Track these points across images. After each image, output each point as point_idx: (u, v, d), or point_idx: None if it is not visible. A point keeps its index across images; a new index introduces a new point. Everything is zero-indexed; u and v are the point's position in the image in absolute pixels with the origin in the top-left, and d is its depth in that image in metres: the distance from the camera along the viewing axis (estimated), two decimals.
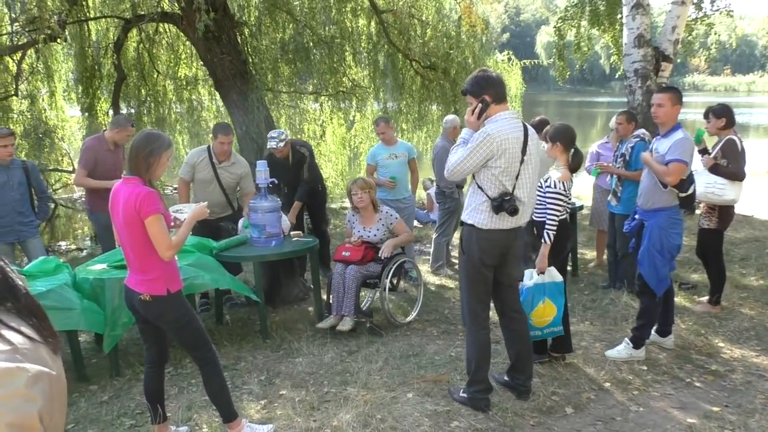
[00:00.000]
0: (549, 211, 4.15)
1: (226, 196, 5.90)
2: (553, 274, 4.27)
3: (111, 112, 9.01)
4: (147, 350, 3.58)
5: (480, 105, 3.54)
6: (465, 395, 3.84)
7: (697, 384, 4.14)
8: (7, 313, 1.02)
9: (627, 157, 5.72)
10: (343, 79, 10.01)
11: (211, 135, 5.98)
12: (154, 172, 3.27)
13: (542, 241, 4.18)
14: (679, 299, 5.82)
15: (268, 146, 6.18)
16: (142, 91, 9.80)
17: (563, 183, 4.21)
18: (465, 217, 3.72)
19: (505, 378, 4.04)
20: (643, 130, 5.96)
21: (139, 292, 3.28)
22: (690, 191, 4.40)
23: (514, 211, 3.53)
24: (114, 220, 3.35)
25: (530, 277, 4.24)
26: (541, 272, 4.22)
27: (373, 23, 9.93)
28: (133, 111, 9.99)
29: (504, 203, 3.53)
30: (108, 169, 5.85)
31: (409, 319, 5.57)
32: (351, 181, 5.73)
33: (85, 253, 9.15)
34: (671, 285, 4.61)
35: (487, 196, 3.58)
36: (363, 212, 5.56)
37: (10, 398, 0.91)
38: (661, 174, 4.30)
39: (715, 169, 5.28)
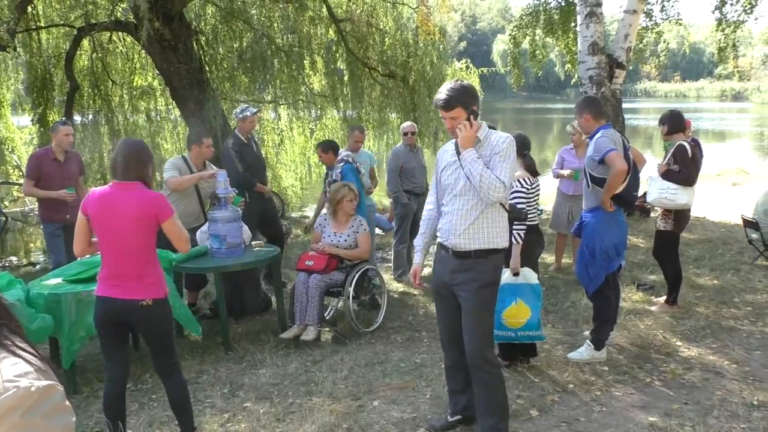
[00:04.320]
0: None
1: (201, 206, 5.85)
2: (528, 276, 4.27)
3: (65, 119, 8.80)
4: (111, 367, 3.46)
5: (472, 116, 3.21)
6: None
7: (657, 383, 4.22)
8: (13, 334, 1.05)
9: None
10: (302, 87, 9.97)
11: (185, 144, 5.85)
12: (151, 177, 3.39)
13: (512, 241, 4.21)
14: (637, 300, 5.95)
15: (240, 117, 6.47)
16: (97, 100, 9.60)
17: (522, 180, 4.27)
18: (495, 244, 3.28)
19: (449, 419, 3.65)
20: None
21: (140, 299, 3.25)
22: (619, 189, 4.47)
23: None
24: (105, 227, 3.25)
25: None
26: (515, 273, 4.24)
27: (331, 32, 9.92)
28: (87, 121, 9.77)
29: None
30: (55, 180, 5.91)
31: (373, 327, 5.55)
32: (340, 185, 5.67)
33: (38, 267, 8.89)
34: (603, 283, 4.56)
35: (505, 208, 3.34)
36: (341, 217, 5.53)
37: (55, 412, 0.96)
38: (612, 181, 4.36)
39: (667, 175, 5.42)
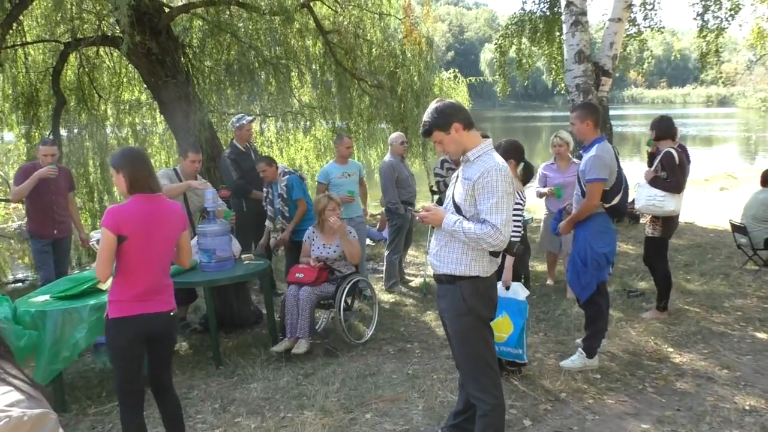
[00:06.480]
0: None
1: (191, 220, 5.80)
2: (517, 291, 4.24)
3: (51, 137, 8.73)
4: (141, 390, 3.28)
5: (464, 128, 3.06)
6: None
7: (650, 389, 4.22)
8: (3, 360, 1.04)
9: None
10: (291, 99, 9.97)
11: (178, 156, 5.79)
12: None
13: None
14: (627, 307, 5.96)
15: (236, 126, 6.75)
16: (83, 115, 9.53)
17: (519, 192, 4.27)
18: (461, 270, 3.06)
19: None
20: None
21: (169, 309, 3.27)
22: (614, 201, 4.51)
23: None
24: (149, 241, 3.15)
25: None
26: (506, 286, 4.21)
27: (319, 43, 9.93)
28: (74, 136, 9.70)
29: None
30: (44, 194, 5.95)
31: (365, 338, 5.53)
32: (324, 197, 5.61)
33: (26, 283, 8.81)
34: (594, 292, 4.55)
35: None
36: (327, 229, 5.50)
37: None
38: (584, 209, 4.46)
39: (654, 182, 5.44)
